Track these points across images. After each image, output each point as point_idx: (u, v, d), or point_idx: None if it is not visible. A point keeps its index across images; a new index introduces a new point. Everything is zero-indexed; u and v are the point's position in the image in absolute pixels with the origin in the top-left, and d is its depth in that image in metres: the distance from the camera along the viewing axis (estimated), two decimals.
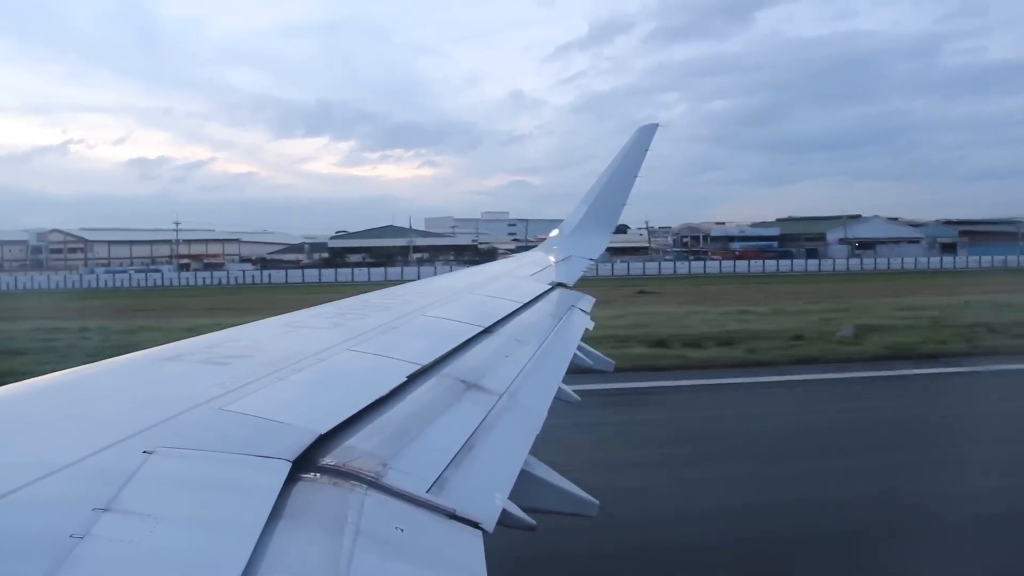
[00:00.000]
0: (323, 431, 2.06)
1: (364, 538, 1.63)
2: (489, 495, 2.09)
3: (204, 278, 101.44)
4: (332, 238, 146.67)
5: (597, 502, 2.74)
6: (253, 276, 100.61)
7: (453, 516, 1.88)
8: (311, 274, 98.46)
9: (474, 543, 1.80)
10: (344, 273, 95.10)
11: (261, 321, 3.67)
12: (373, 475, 1.94)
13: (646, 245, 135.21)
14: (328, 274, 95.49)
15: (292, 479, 1.78)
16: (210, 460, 1.83)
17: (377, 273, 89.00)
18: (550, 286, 6.50)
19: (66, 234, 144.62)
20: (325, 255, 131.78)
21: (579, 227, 9.42)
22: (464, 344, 3.61)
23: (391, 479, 1.95)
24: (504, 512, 2.06)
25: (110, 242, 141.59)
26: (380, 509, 1.80)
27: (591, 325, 5.67)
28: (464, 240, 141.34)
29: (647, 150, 9.58)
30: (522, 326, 4.57)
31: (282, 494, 1.69)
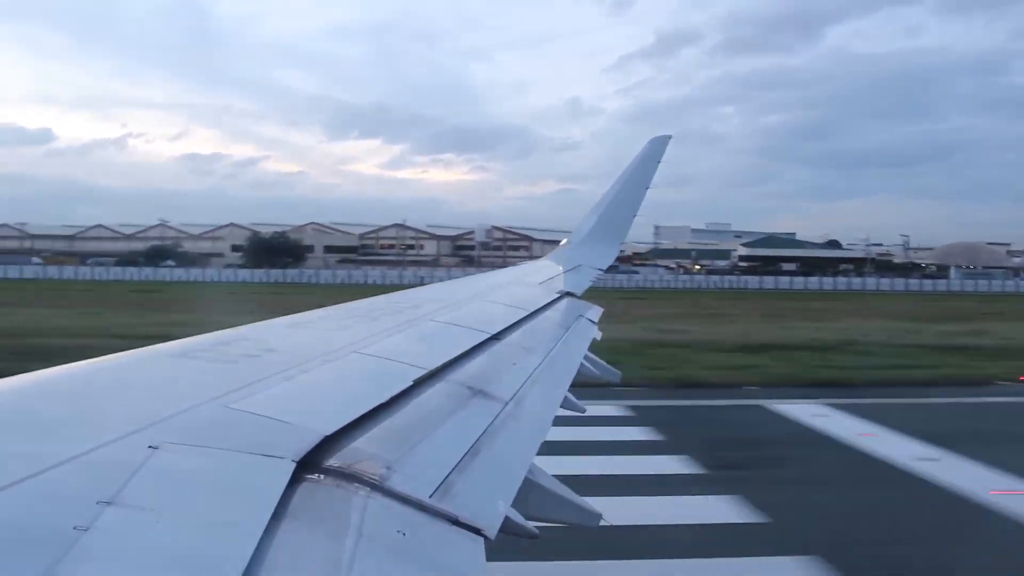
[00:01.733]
0: (329, 432, 2.06)
1: (366, 541, 1.62)
2: (492, 502, 2.09)
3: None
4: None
5: (600, 512, 2.73)
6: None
7: (455, 522, 1.88)
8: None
9: (476, 550, 1.80)
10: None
11: (270, 320, 3.68)
12: (377, 478, 1.94)
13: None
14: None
15: (296, 479, 1.78)
16: (215, 457, 1.83)
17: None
18: (558, 295, 6.50)
19: (505, 231, 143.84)
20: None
21: (589, 237, 9.41)
22: (471, 350, 3.60)
23: (395, 483, 1.94)
24: (507, 520, 2.06)
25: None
26: (383, 512, 1.80)
27: (599, 335, 5.66)
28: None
29: (659, 161, 9.58)
30: (529, 334, 4.57)
31: (286, 494, 1.69)
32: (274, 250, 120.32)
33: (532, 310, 5.32)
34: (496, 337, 4.07)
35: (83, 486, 1.54)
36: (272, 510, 1.59)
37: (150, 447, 1.76)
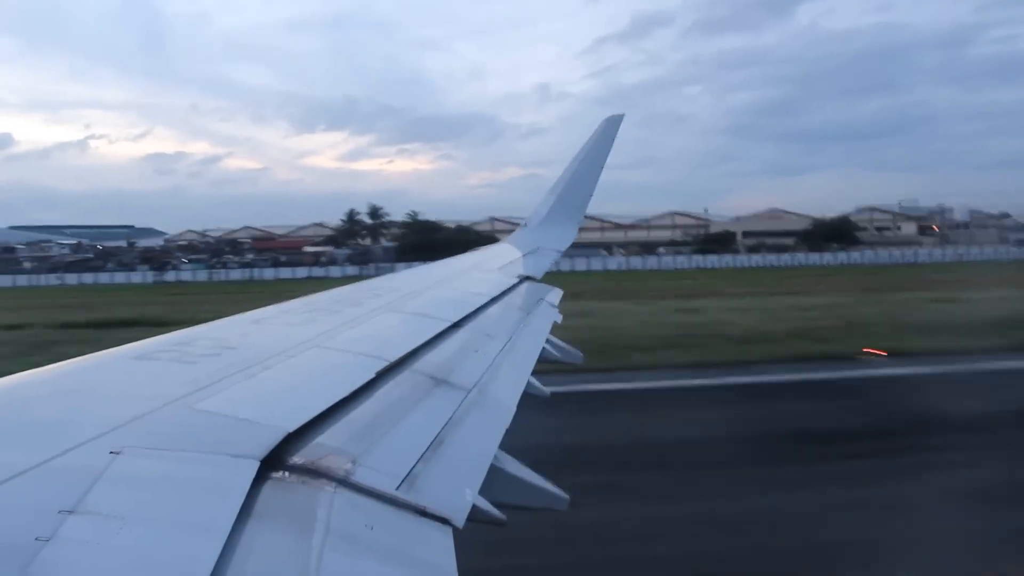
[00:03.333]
0: (292, 429, 2.05)
1: (334, 536, 1.63)
2: (459, 491, 2.10)
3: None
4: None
5: (567, 496, 2.76)
6: None
7: (423, 513, 1.89)
8: None
9: (444, 539, 1.82)
10: None
11: (230, 318, 3.64)
12: (342, 473, 1.94)
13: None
14: None
15: (261, 478, 1.78)
16: (178, 460, 1.82)
17: None
18: (518, 279, 6.51)
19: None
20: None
21: (547, 219, 9.42)
22: (433, 339, 3.61)
23: (360, 477, 1.95)
24: (474, 507, 2.07)
25: None
26: (350, 507, 1.81)
27: (559, 318, 5.69)
28: None
29: (613, 140, 9.61)
30: (490, 320, 4.58)
31: (251, 493, 1.68)
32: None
33: (493, 296, 5.33)
34: (457, 325, 4.07)
35: (44, 495, 1.52)
36: (237, 510, 1.59)
37: (111, 452, 1.74)
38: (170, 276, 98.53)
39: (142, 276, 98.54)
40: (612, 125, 9.82)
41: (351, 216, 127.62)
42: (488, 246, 10.12)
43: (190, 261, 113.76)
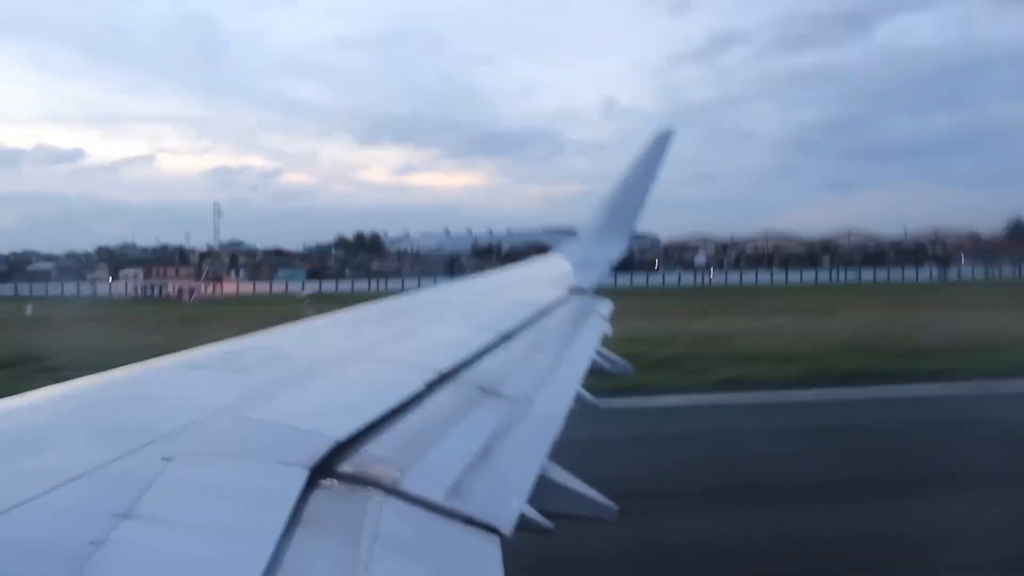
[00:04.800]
0: (342, 438, 2.07)
1: (381, 545, 1.63)
2: (507, 500, 2.09)
3: None
4: None
5: (615, 506, 2.73)
6: None
7: (470, 521, 1.88)
8: None
9: (491, 548, 1.80)
10: None
11: (281, 328, 3.69)
12: (391, 482, 1.94)
13: None
14: None
15: (311, 486, 1.79)
16: (229, 467, 1.84)
17: None
18: (568, 291, 6.49)
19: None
20: None
21: (598, 232, 9.39)
22: (482, 351, 3.61)
23: (409, 486, 1.95)
24: (522, 516, 2.06)
25: None
26: (397, 516, 1.81)
27: (609, 330, 5.66)
28: None
29: (664, 154, 9.55)
30: (540, 332, 4.57)
31: (300, 501, 1.70)
32: None
33: (542, 307, 5.32)
34: (507, 336, 4.07)
35: (98, 500, 1.55)
36: (287, 518, 1.60)
37: (164, 459, 1.77)
38: None
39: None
40: (663, 139, 9.77)
41: None
42: (539, 258, 10.11)
43: None
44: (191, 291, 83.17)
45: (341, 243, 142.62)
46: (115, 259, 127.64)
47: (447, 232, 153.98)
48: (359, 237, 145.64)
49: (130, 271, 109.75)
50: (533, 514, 2.16)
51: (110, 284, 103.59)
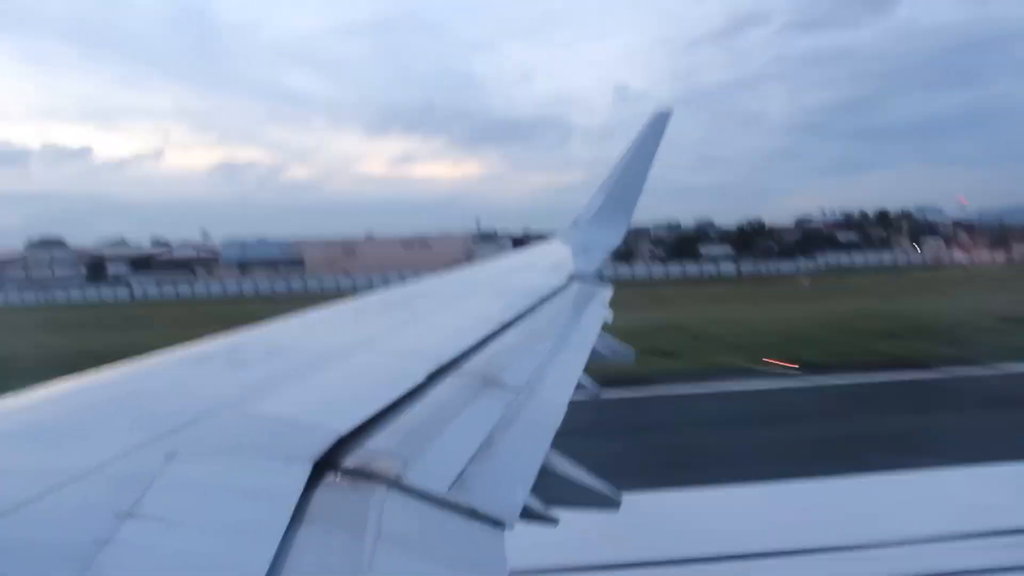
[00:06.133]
0: (344, 432, 2.06)
1: (385, 538, 1.63)
2: (510, 491, 2.09)
3: None
4: None
5: (620, 496, 2.73)
6: None
7: (474, 514, 1.88)
8: None
9: (495, 540, 1.80)
10: None
11: (280, 321, 3.69)
12: (394, 475, 1.94)
13: None
14: None
15: (314, 480, 1.79)
16: (231, 463, 1.84)
17: None
18: (568, 278, 6.48)
19: None
20: None
21: (596, 217, 9.35)
22: (483, 340, 3.60)
23: (412, 479, 1.95)
24: (526, 508, 2.06)
25: None
26: (401, 509, 1.80)
27: (610, 316, 5.65)
28: None
29: (662, 136, 9.49)
30: (541, 320, 4.56)
31: (304, 496, 1.69)
32: None
33: (543, 295, 5.31)
34: (507, 325, 4.06)
35: (101, 499, 1.55)
36: (291, 513, 1.59)
37: (167, 456, 1.77)
38: None
39: None
40: (660, 121, 9.70)
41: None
42: (538, 244, 10.09)
43: None
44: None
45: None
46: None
47: None
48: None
49: None
50: (537, 506, 2.16)
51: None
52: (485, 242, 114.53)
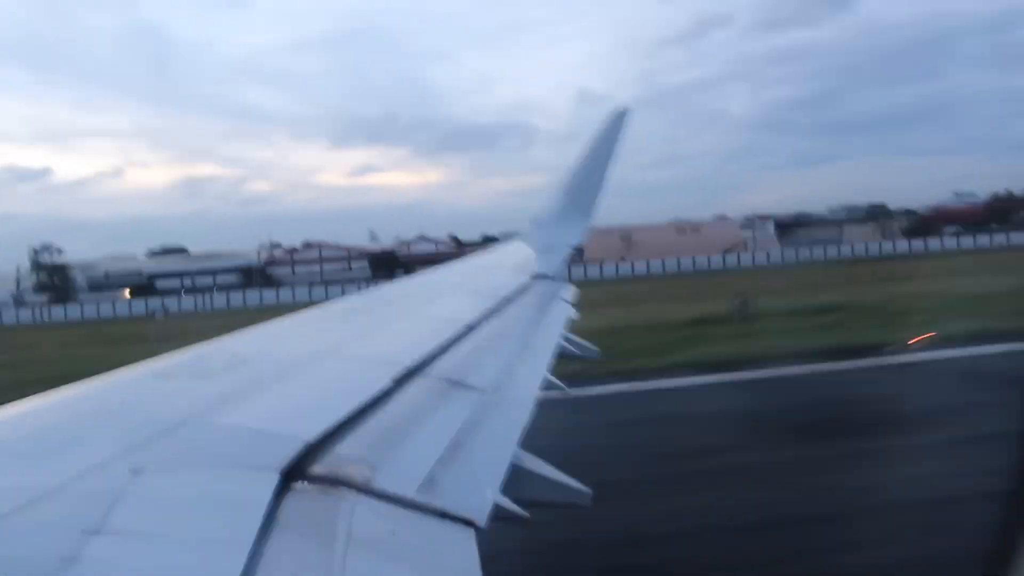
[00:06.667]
0: (311, 439, 2.06)
1: (356, 544, 1.63)
2: (480, 491, 2.10)
3: None
4: None
5: (590, 491, 2.75)
6: None
7: (444, 515, 1.89)
8: None
9: (467, 541, 1.82)
10: None
11: (242, 331, 3.66)
12: (363, 480, 1.94)
13: None
14: None
15: (282, 490, 1.79)
16: (199, 475, 1.83)
17: None
18: (532, 277, 6.51)
19: None
20: None
21: (558, 216, 9.40)
22: (448, 343, 3.61)
23: (381, 483, 1.95)
24: (496, 507, 2.07)
25: None
26: (371, 514, 1.81)
27: (575, 315, 5.69)
28: None
29: (621, 134, 9.58)
30: (506, 320, 4.58)
31: (273, 505, 1.69)
32: None
33: (507, 295, 5.33)
34: (472, 327, 4.08)
35: (67, 516, 1.54)
36: (260, 523, 1.59)
37: (133, 471, 1.75)
38: None
39: None
40: (619, 119, 9.79)
41: None
42: (501, 245, 10.11)
43: None
44: None
45: None
46: None
47: None
48: None
49: None
50: (508, 504, 2.18)
51: None
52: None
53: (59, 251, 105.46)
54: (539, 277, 6.66)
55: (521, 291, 5.79)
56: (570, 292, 6.41)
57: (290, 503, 1.75)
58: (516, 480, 2.41)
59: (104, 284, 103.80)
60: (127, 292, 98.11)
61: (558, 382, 4.09)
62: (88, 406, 2.38)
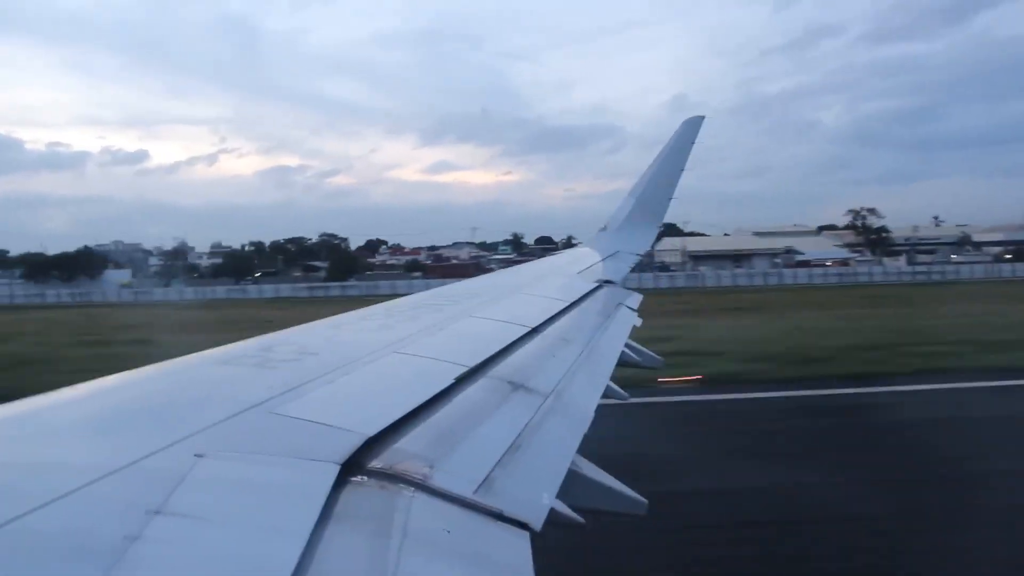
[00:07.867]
0: (371, 434, 2.07)
1: (411, 540, 1.63)
2: (537, 495, 2.09)
3: None
4: None
5: (646, 501, 2.71)
6: None
7: (500, 516, 1.88)
8: None
9: (521, 543, 1.80)
10: None
11: (310, 323, 3.71)
12: (420, 477, 1.94)
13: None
14: None
15: (341, 482, 1.80)
16: (260, 463, 1.86)
17: None
18: (597, 283, 6.46)
19: None
20: None
21: (626, 222, 9.33)
22: (511, 345, 3.60)
23: (438, 481, 1.95)
24: (552, 511, 2.05)
25: None
26: (427, 511, 1.81)
27: (639, 322, 5.63)
28: None
29: (693, 142, 9.48)
30: (569, 325, 4.55)
31: (331, 497, 1.70)
32: None
33: (571, 300, 5.31)
34: (536, 330, 4.06)
35: (132, 495, 1.57)
36: (318, 514, 1.60)
37: (196, 455, 1.79)
38: None
39: None
40: (691, 127, 9.70)
41: None
42: (567, 250, 10.08)
43: None
44: None
45: None
46: None
47: None
48: None
49: None
50: (564, 509, 2.16)
51: None
52: None
53: None
54: (604, 283, 6.62)
55: (586, 297, 5.76)
56: (635, 299, 6.34)
57: (348, 495, 1.76)
58: (574, 486, 2.39)
59: None
60: None
61: (619, 389, 4.05)
62: (157, 388, 2.44)
